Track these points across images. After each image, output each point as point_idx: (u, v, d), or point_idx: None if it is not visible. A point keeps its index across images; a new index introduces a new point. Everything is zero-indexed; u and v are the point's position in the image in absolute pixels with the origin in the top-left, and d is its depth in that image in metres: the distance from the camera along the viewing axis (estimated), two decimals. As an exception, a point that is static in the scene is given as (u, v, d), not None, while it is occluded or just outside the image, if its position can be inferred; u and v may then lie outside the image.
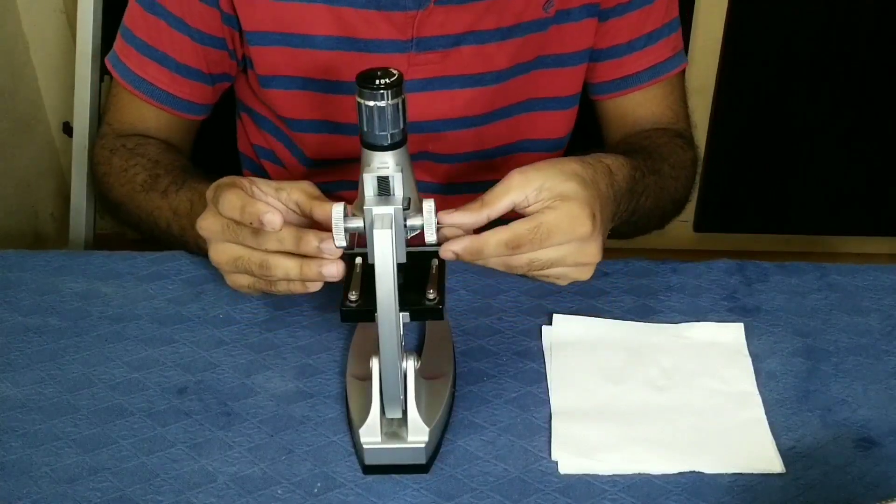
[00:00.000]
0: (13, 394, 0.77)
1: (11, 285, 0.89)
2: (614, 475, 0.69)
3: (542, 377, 0.78)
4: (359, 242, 0.71)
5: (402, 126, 0.64)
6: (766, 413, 0.74)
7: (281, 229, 0.71)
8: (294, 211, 0.75)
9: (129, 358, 0.81)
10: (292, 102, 1.02)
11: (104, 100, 1.13)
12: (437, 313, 0.69)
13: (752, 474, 0.69)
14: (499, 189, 0.74)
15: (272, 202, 0.75)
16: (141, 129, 1.03)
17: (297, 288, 0.74)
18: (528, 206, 0.74)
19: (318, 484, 0.68)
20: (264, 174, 1.15)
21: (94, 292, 0.88)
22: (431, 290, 0.69)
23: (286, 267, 0.73)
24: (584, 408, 0.74)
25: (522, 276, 0.76)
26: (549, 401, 0.75)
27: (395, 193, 0.66)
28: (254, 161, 1.16)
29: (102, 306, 0.86)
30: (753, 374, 0.77)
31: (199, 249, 0.88)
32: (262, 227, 0.71)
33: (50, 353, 0.81)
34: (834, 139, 2.12)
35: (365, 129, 0.64)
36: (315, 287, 0.73)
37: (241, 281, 0.77)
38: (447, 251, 0.71)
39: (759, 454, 0.70)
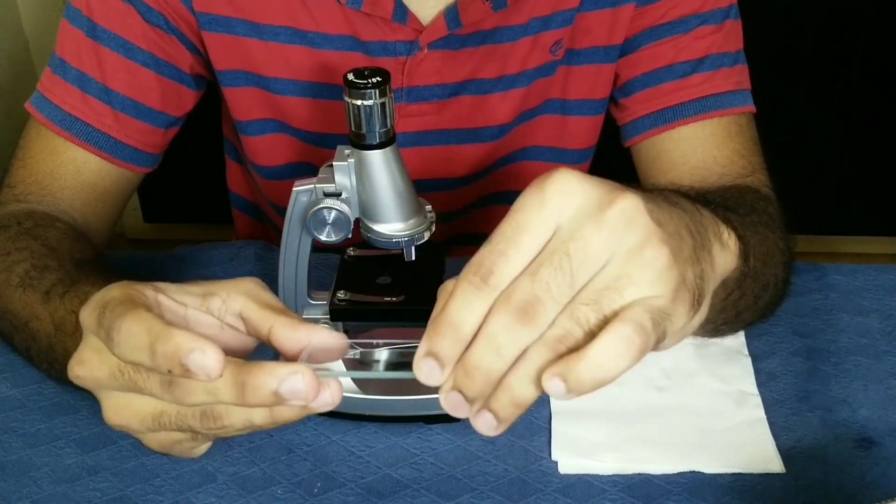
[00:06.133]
0: (13, 394, 0.77)
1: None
2: (614, 475, 0.69)
3: (542, 377, 0.78)
4: (355, 241, 0.70)
5: (389, 125, 0.64)
6: (766, 413, 0.74)
7: (136, 380, 0.49)
8: (234, 328, 0.54)
9: (129, 358, 0.80)
10: (266, 150, 0.93)
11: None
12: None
13: (752, 474, 0.69)
14: None
15: (196, 321, 0.53)
16: (54, 186, 0.83)
17: (270, 428, 0.52)
18: None
19: (318, 484, 0.68)
20: (255, 221, 1.06)
21: (94, 292, 0.88)
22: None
23: (247, 412, 0.50)
24: (584, 408, 0.74)
25: None
26: (549, 401, 0.75)
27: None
28: (247, 200, 1.06)
29: (102, 306, 0.86)
30: (753, 374, 0.77)
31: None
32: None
33: (50, 353, 0.81)
34: (834, 139, 2.12)
35: (353, 128, 0.64)
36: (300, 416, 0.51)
37: (170, 438, 0.53)
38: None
39: (759, 454, 0.70)
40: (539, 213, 0.46)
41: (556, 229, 0.46)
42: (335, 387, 0.49)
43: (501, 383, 0.46)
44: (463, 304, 0.46)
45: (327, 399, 0.49)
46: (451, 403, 0.47)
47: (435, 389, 0.72)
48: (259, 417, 0.50)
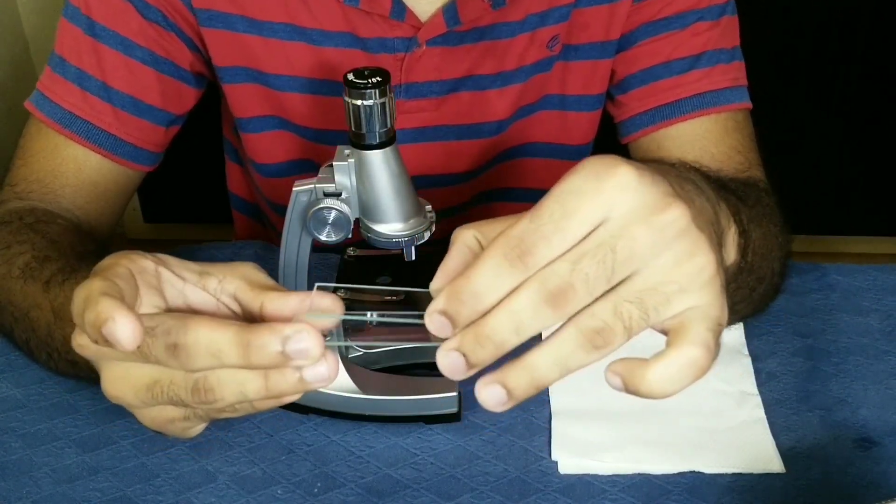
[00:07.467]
0: (13, 394, 0.77)
1: (11, 285, 0.89)
2: (614, 475, 0.69)
3: (542, 377, 0.78)
4: (355, 241, 0.70)
5: (389, 125, 0.64)
6: (766, 413, 0.74)
7: (140, 346, 0.46)
8: (230, 308, 0.54)
9: (129, 358, 0.80)
10: (266, 148, 0.93)
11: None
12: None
13: (752, 474, 0.69)
14: None
15: (194, 296, 0.53)
16: (55, 184, 0.83)
17: (263, 406, 0.51)
18: None
19: (318, 484, 0.68)
20: (254, 222, 1.06)
21: (94, 292, 0.88)
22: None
23: (240, 383, 0.48)
24: (584, 408, 0.74)
25: None
26: (549, 401, 0.75)
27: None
28: (246, 202, 1.06)
29: (102, 306, 0.86)
30: (753, 374, 0.77)
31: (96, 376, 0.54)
32: (108, 345, 0.46)
33: (50, 353, 0.81)
34: (833, 138, 2.12)
35: (353, 128, 0.64)
36: (293, 398, 0.50)
37: (164, 415, 0.52)
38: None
39: (759, 454, 0.70)
40: (592, 202, 0.44)
41: (603, 220, 0.44)
42: (332, 360, 0.48)
43: (523, 362, 0.45)
44: (492, 276, 0.44)
45: (324, 372, 0.48)
46: (448, 363, 0.45)
47: (434, 391, 0.72)
48: (253, 388, 0.48)
